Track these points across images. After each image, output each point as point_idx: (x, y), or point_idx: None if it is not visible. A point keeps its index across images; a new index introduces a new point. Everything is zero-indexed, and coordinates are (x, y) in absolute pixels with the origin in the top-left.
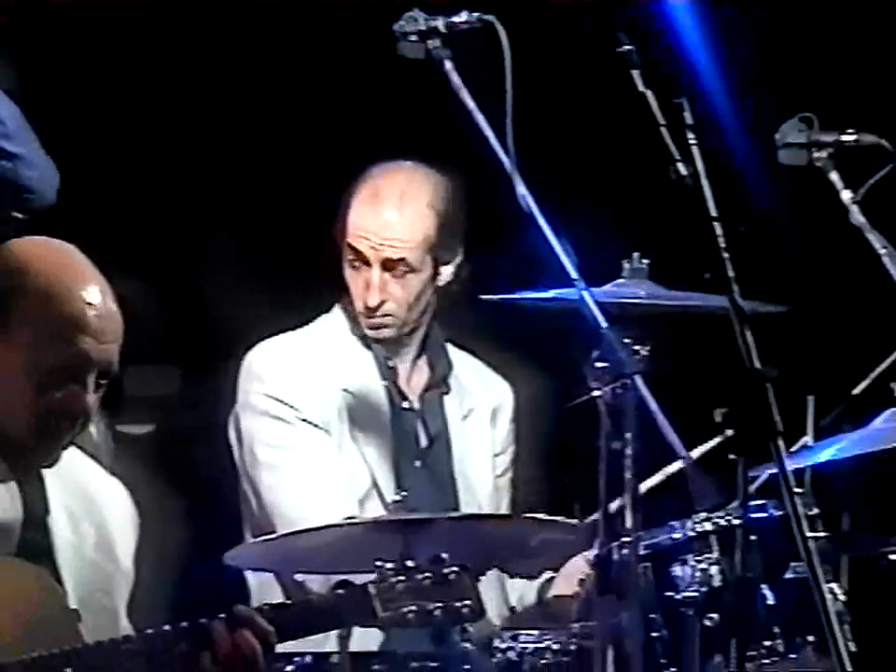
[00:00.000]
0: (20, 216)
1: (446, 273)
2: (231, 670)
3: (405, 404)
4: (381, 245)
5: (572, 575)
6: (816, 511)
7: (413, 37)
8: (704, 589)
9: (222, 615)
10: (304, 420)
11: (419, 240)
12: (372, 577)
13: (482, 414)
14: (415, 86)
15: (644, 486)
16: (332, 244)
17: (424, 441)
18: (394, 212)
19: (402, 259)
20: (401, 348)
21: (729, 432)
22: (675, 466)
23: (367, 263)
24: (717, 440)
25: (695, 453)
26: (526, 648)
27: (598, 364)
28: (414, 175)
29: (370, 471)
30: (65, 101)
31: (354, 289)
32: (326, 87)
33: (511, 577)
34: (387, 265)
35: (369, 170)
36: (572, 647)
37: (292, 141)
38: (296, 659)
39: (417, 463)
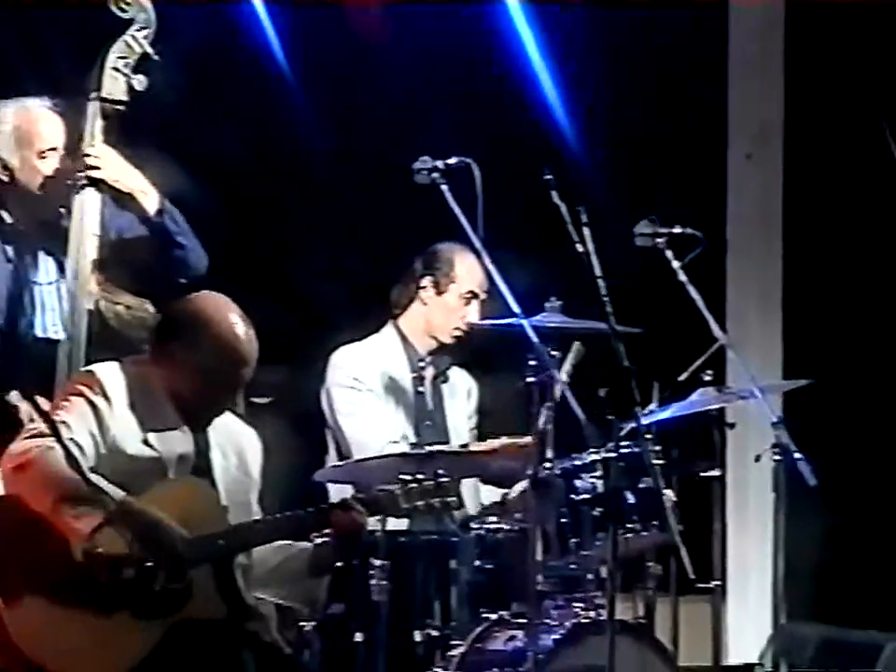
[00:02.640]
0: (184, 281)
1: None
2: (346, 536)
3: (421, 388)
4: (484, 291)
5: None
6: (658, 447)
7: (424, 172)
8: (593, 493)
9: (327, 504)
10: (368, 390)
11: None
12: (398, 486)
13: (461, 395)
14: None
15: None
16: (410, 288)
17: (430, 408)
18: (483, 272)
19: (486, 300)
20: (440, 352)
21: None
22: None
23: (476, 298)
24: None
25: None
26: (489, 528)
27: (531, 362)
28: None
29: (402, 426)
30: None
31: (459, 313)
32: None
33: (486, 484)
34: (483, 302)
35: (447, 245)
36: (517, 527)
37: (368, 232)
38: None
39: (428, 422)
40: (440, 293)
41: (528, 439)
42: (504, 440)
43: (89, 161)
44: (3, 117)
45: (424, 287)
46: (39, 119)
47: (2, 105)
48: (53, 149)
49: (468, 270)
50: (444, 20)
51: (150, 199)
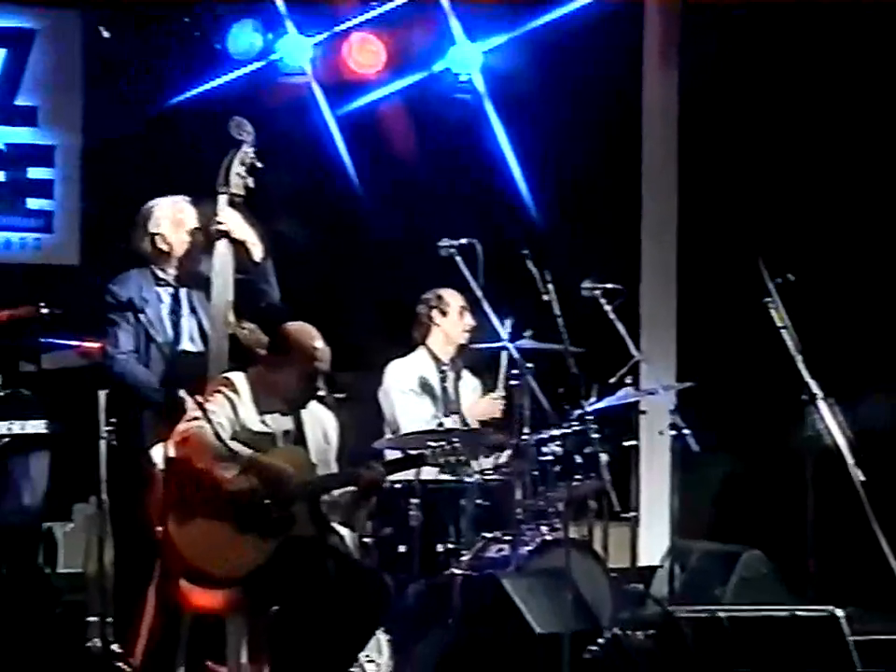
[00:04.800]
0: (263, 305)
1: None
2: (368, 487)
3: (445, 384)
4: (467, 304)
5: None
6: (596, 426)
7: (444, 248)
8: (554, 456)
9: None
10: (410, 390)
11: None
12: (428, 451)
13: (470, 389)
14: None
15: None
16: (425, 325)
17: (452, 398)
18: (460, 295)
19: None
20: (456, 359)
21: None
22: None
23: (466, 310)
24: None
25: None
26: (487, 478)
27: (514, 371)
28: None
29: (432, 412)
30: None
31: (461, 322)
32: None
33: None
34: (469, 310)
35: (430, 292)
36: (504, 478)
37: (409, 283)
38: (400, 481)
39: (453, 407)
40: (445, 315)
41: (499, 393)
42: (484, 399)
43: (220, 219)
44: (163, 208)
45: (434, 318)
46: (185, 208)
47: (158, 201)
48: (193, 228)
49: (452, 297)
50: (447, 136)
51: (257, 248)
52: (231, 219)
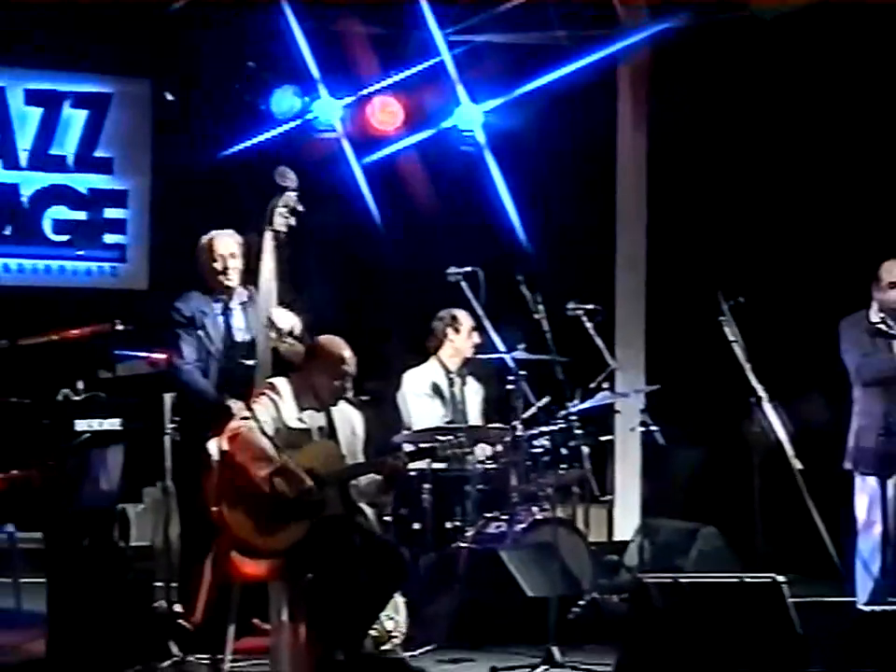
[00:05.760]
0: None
1: None
2: (392, 474)
3: (454, 389)
4: (476, 325)
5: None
6: (578, 423)
7: (452, 275)
8: (544, 449)
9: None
10: (424, 394)
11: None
12: (437, 444)
13: (474, 390)
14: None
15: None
16: (440, 339)
17: (459, 401)
18: (471, 318)
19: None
20: (462, 368)
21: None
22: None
23: (476, 330)
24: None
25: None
26: (487, 466)
27: (510, 377)
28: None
29: (442, 413)
30: None
31: (470, 338)
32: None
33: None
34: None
35: (445, 311)
36: (502, 466)
37: (420, 306)
38: (416, 470)
39: (459, 408)
40: (457, 332)
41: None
42: (491, 426)
43: (265, 254)
44: (218, 239)
45: (448, 334)
46: (228, 240)
47: (214, 234)
48: (233, 255)
49: (465, 318)
50: (454, 181)
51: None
52: (273, 254)
